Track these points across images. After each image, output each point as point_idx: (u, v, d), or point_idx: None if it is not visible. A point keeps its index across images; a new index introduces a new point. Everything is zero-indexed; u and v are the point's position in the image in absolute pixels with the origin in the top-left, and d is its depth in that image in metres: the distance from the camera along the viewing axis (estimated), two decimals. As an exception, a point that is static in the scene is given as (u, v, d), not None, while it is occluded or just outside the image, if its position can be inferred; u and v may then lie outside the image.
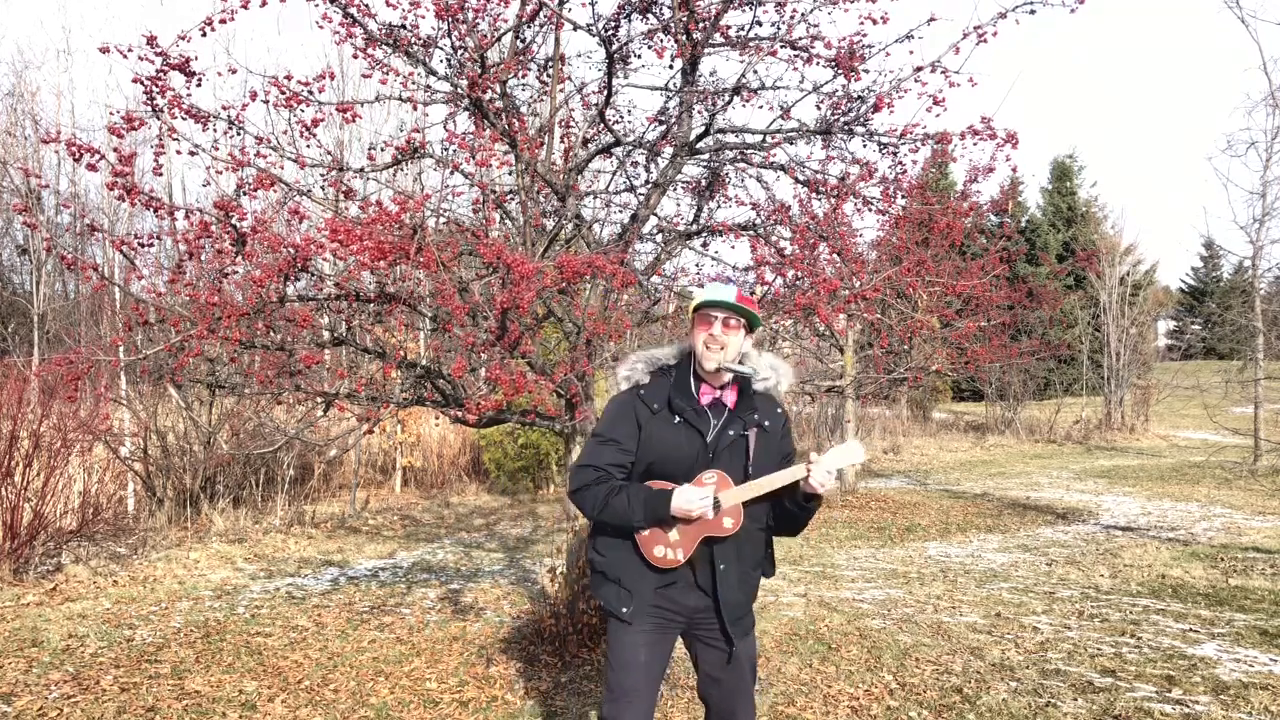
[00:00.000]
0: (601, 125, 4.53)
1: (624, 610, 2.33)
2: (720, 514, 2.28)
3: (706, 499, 2.24)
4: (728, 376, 2.39)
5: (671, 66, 4.37)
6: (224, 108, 3.82)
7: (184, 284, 3.70)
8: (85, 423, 7.29)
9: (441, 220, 4.33)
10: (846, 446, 2.40)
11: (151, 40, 3.46)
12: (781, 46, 4.16)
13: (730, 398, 2.41)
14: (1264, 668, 4.41)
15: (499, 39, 4.12)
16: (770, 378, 2.45)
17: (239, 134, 3.83)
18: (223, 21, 3.58)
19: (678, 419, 2.35)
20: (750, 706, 2.46)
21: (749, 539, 2.37)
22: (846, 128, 4.30)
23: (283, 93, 3.82)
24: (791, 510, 2.37)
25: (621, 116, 4.99)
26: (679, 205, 5.18)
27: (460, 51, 4.07)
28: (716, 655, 2.40)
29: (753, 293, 4.62)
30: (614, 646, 2.36)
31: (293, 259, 3.46)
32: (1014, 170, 5.50)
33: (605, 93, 4.29)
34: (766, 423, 2.40)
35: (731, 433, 2.35)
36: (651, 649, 2.34)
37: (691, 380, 2.41)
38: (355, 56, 3.99)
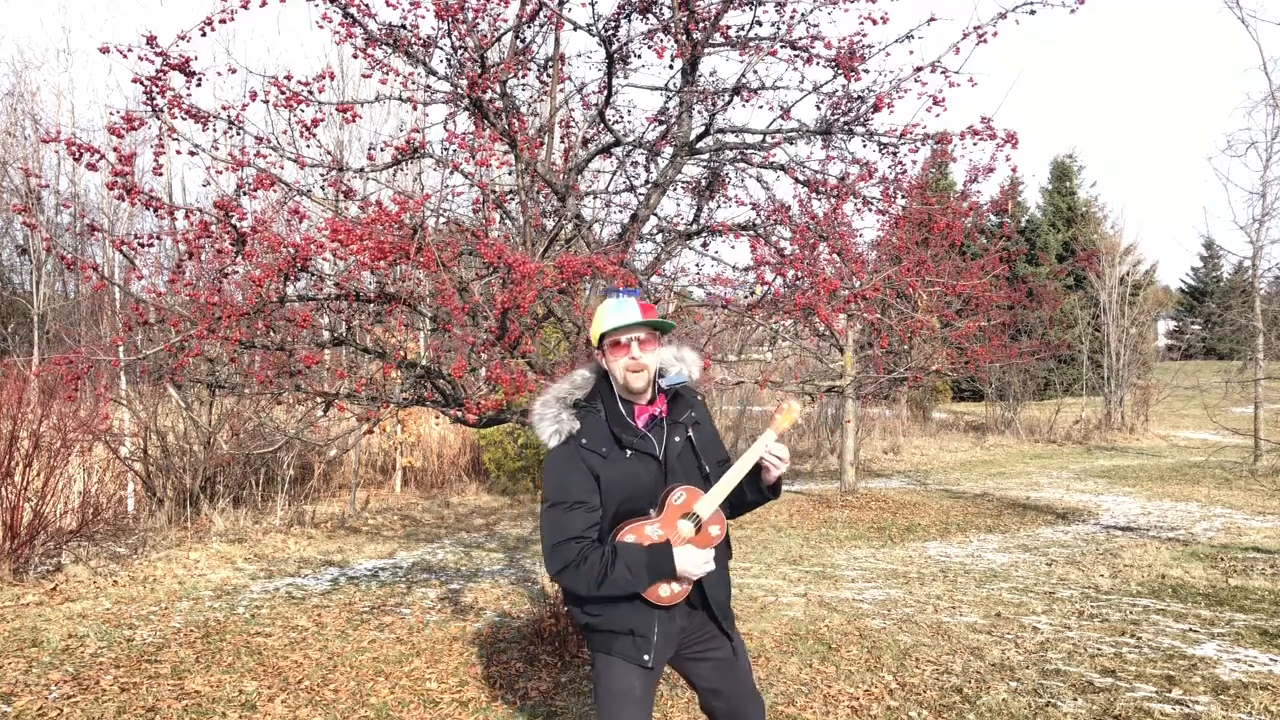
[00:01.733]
0: (601, 125, 4.53)
1: (646, 658, 2.23)
2: (704, 526, 2.25)
3: (709, 562, 2.22)
4: (650, 389, 2.31)
5: (671, 66, 4.37)
6: (224, 108, 3.82)
7: (184, 284, 3.70)
8: (85, 423, 7.29)
9: (441, 220, 4.33)
10: (783, 409, 2.33)
11: (151, 40, 3.46)
12: (781, 46, 4.16)
13: (661, 406, 2.34)
14: (1264, 668, 4.41)
15: (499, 39, 4.12)
16: (682, 370, 2.38)
17: (239, 134, 3.83)
18: (222, 21, 3.57)
19: (629, 453, 2.24)
20: (759, 705, 2.43)
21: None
22: (846, 128, 4.30)
23: (283, 93, 3.82)
24: (754, 500, 2.37)
25: (621, 116, 4.99)
26: (679, 205, 5.19)
27: (460, 51, 4.07)
28: (709, 666, 2.36)
29: (752, 292, 4.62)
30: (607, 682, 2.25)
31: (293, 259, 3.46)
32: (1014, 170, 5.49)
33: (605, 93, 4.29)
34: (696, 415, 2.37)
35: (677, 440, 2.30)
36: (645, 680, 2.28)
37: (621, 407, 2.29)
38: (355, 56, 3.99)
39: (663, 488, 2.25)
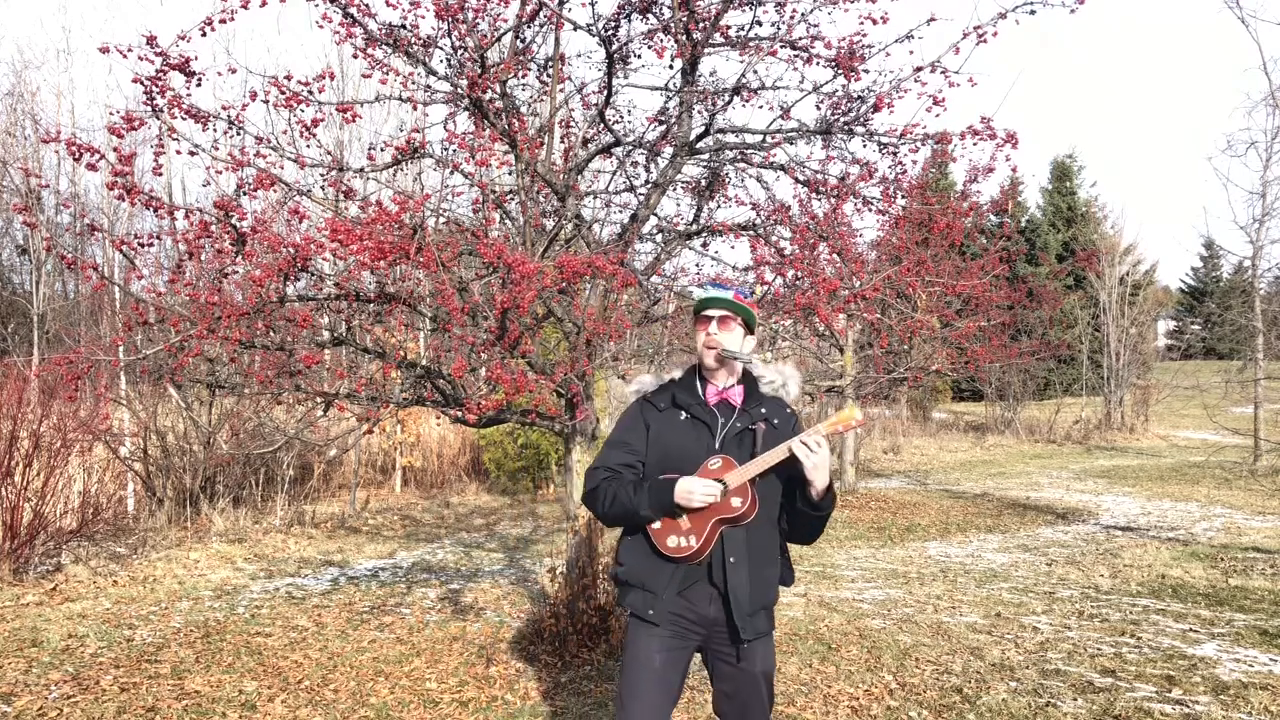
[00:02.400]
0: (601, 125, 4.53)
1: (650, 612, 2.31)
2: (728, 495, 2.26)
3: (710, 491, 2.24)
4: (732, 380, 2.43)
5: (671, 66, 4.37)
6: (224, 108, 3.82)
7: (184, 284, 3.70)
8: (85, 423, 7.29)
9: (441, 220, 4.33)
10: (842, 412, 2.35)
11: (151, 40, 3.46)
12: (781, 46, 4.16)
13: (737, 397, 2.43)
14: (1264, 668, 4.41)
15: (499, 39, 4.12)
16: (777, 380, 2.48)
17: (239, 134, 3.83)
18: (222, 21, 3.58)
19: (684, 415, 2.40)
20: None
21: (759, 533, 2.34)
22: (846, 128, 4.30)
23: (283, 93, 3.82)
24: (802, 512, 2.36)
25: (621, 116, 4.98)
26: (679, 205, 5.18)
27: (460, 51, 4.07)
28: (730, 669, 2.35)
29: (752, 292, 4.62)
30: (629, 649, 2.35)
31: (293, 259, 3.46)
32: (1014, 170, 5.50)
33: (605, 93, 4.29)
34: (775, 420, 2.41)
35: (739, 425, 2.38)
36: (666, 654, 2.30)
37: (697, 382, 2.46)
38: (355, 56, 3.99)
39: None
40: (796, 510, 2.37)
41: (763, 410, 2.41)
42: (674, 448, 2.37)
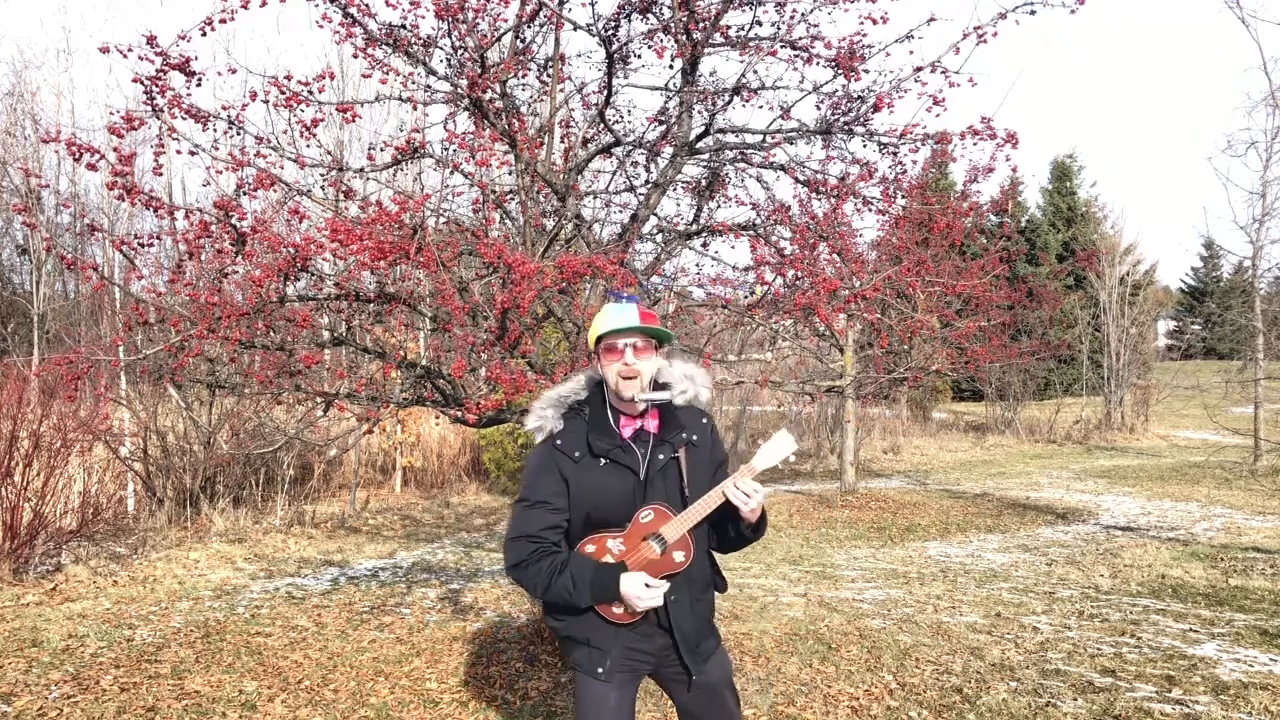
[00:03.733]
0: (601, 125, 4.53)
1: (599, 671, 2.20)
2: (669, 550, 2.17)
3: (656, 595, 2.13)
4: (642, 405, 2.24)
5: (671, 66, 4.37)
6: (224, 108, 3.82)
7: (184, 284, 3.70)
8: (85, 423, 7.29)
9: (441, 220, 4.33)
10: (772, 442, 2.24)
11: (151, 40, 3.46)
12: (781, 46, 4.16)
13: (652, 423, 2.26)
14: (1264, 668, 4.41)
15: (499, 39, 4.12)
16: (688, 389, 2.28)
17: (239, 134, 3.83)
18: (223, 21, 3.57)
19: (603, 461, 2.19)
20: None
21: (695, 565, 2.26)
22: (846, 128, 4.30)
23: (283, 93, 3.82)
24: (740, 534, 2.26)
25: (621, 116, 4.98)
26: (679, 205, 5.18)
27: (460, 51, 4.07)
28: (686, 689, 2.31)
29: (752, 292, 4.62)
30: (582, 693, 2.24)
31: (293, 259, 3.46)
32: (1014, 170, 5.48)
33: (605, 93, 4.29)
34: (694, 437, 2.26)
35: (662, 457, 2.22)
36: (620, 691, 2.23)
37: (609, 414, 2.25)
38: (355, 56, 3.99)
39: (640, 503, 2.20)
40: (729, 536, 2.28)
41: (681, 433, 2.25)
42: (597, 501, 2.18)
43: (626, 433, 2.24)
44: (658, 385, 2.28)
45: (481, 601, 6.04)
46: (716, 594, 2.40)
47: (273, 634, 5.21)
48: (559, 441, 2.22)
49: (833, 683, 4.30)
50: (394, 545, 8.47)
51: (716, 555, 2.41)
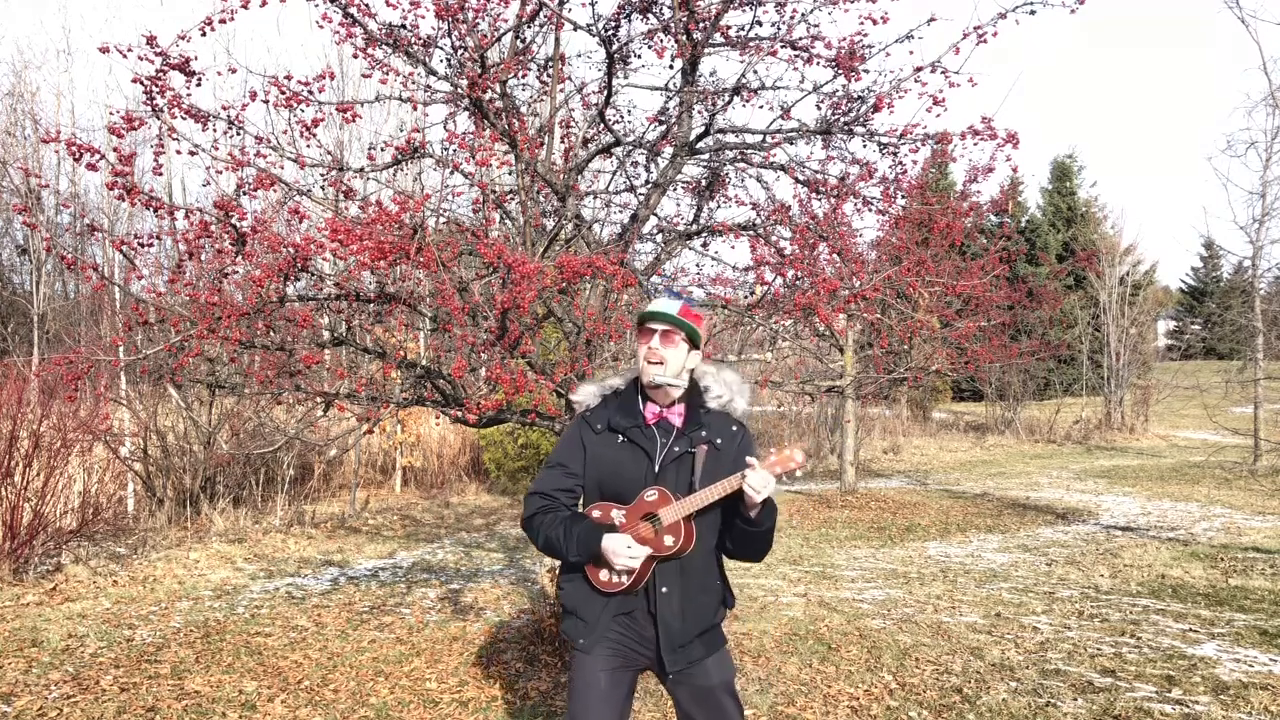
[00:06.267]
0: (601, 125, 4.53)
1: (580, 641, 2.28)
2: (661, 532, 2.20)
3: (636, 557, 2.18)
4: (676, 394, 2.34)
5: (671, 66, 4.37)
6: (224, 108, 3.82)
7: (184, 284, 3.70)
8: (85, 423, 7.29)
9: (441, 220, 4.33)
10: (784, 454, 2.26)
11: (151, 40, 3.46)
12: (781, 46, 4.15)
13: (678, 417, 2.35)
14: (1264, 668, 4.41)
15: (499, 39, 4.11)
16: (724, 395, 2.38)
17: (239, 134, 3.83)
18: (223, 21, 3.57)
19: (621, 439, 2.33)
20: None
21: (696, 562, 2.28)
22: (846, 128, 4.30)
23: (283, 93, 3.82)
24: (742, 529, 2.27)
25: (621, 116, 4.98)
26: (679, 205, 5.18)
27: (460, 51, 4.07)
28: (685, 691, 2.31)
29: (752, 292, 4.62)
30: (574, 676, 2.31)
31: (293, 259, 3.46)
32: (1014, 170, 5.48)
33: (605, 93, 4.29)
34: (718, 440, 2.31)
35: (678, 449, 2.30)
36: (610, 674, 2.26)
37: (638, 399, 2.37)
38: (355, 56, 3.99)
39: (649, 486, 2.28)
40: (736, 527, 2.29)
41: (703, 432, 2.32)
42: (612, 473, 2.31)
43: (651, 419, 2.37)
44: (695, 390, 2.39)
45: (481, 601, 6.04)
46: (724, 609, 2.40)
47: (273, 634, 5.21)
48: (587, 416, 2.41)
49: (833, 683, 4.30)
50: (394, 545, 8.47)
51: (728, 563, 2.43)
